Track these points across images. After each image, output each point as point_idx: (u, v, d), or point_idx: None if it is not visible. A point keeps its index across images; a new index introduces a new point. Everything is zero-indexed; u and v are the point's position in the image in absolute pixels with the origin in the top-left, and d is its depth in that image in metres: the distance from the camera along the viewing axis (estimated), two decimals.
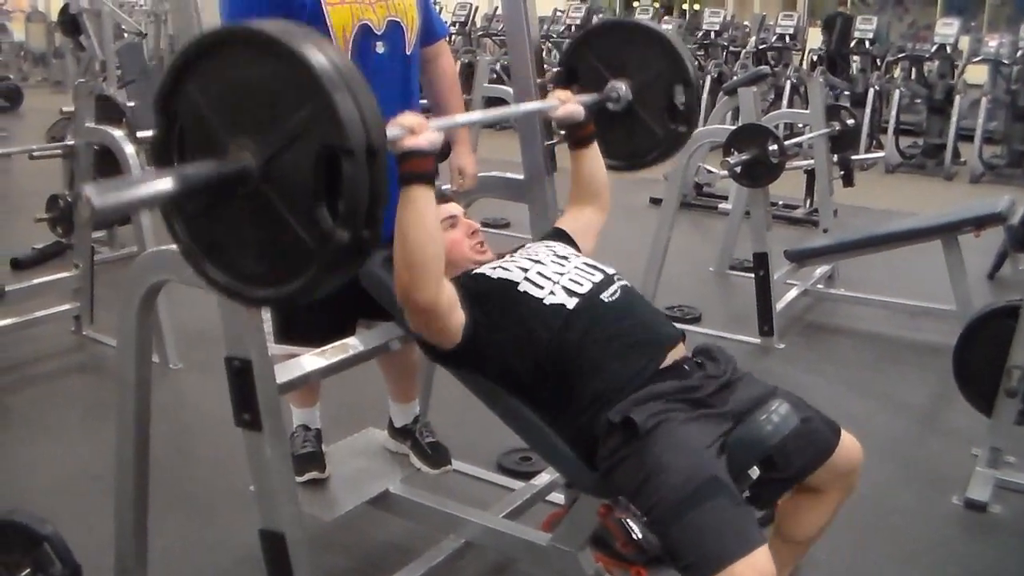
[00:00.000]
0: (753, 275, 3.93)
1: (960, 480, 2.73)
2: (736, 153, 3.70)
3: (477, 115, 1.81)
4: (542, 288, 1.75)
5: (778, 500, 1.83)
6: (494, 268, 1.82)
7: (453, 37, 10.28)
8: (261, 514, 1.75)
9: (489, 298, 1.75)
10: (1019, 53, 7.94)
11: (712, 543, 1.47)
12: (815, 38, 9.54)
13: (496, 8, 10.76)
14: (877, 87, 8.04)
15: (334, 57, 1.20)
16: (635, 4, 13.63)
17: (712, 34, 9.89)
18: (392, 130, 1.46)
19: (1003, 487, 2.71)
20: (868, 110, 7.85)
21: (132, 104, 5.34)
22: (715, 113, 5.15)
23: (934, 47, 8.04)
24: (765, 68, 5.94)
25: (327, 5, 1.95)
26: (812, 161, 4.91)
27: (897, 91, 8.02)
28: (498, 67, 8.60)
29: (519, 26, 2.22)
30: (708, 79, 8.46)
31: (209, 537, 2.46)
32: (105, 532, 2.01)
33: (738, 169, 3.72)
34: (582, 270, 1.82)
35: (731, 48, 9.79)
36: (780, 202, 5.87)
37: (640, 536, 2.25)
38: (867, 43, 8.68)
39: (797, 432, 1.63)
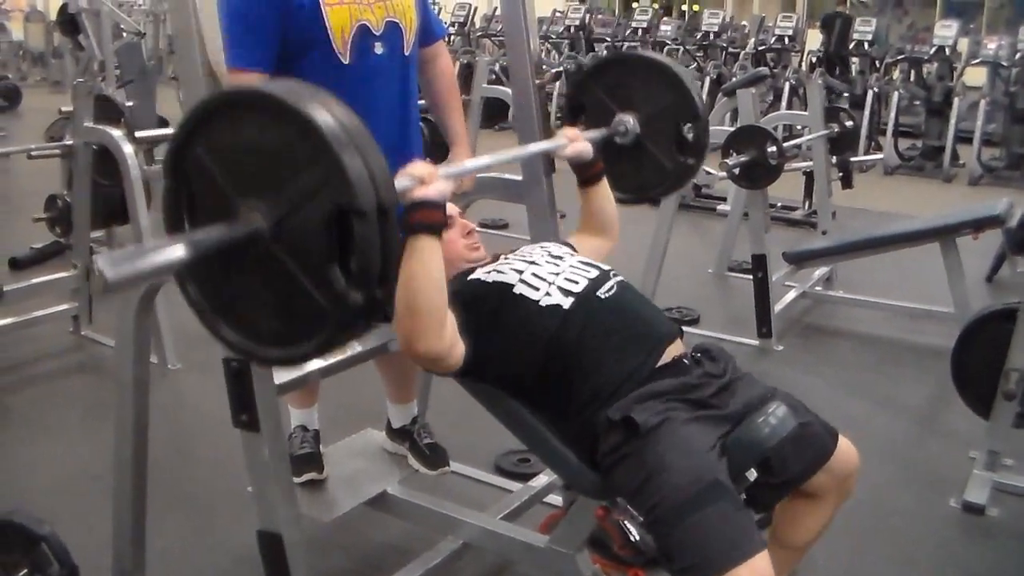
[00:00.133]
0: (752, 277, 3.93)
1: (958, 483, 2.73)
2: (735, 154, 3.71)
3: (485, 160, 1.80)
4: (538, 289, 1.74)
5: (775, 505, 1.83)
6: (488, 272, 1.81)
7: (452, 37, 10.30)
8: (259, 515, 1.75)
9: (486, 302, 1.74)
10: (1018, 55, 7.93)
11: (714, 546, 1.47)
12: (814, 39, 9.52)
13: (495, 9, 10.75)
14: (876, 89, 8.05)
15: (341, 116, 1.20)
16: (634, 5, 13.62)
17: (711, 35, 9.88)
18: (401, 181, 1.44)
19: (1001, 490, 2.71)
20: (867, 112, 7.85)
21: (131, 104, 5.34)
22: (714, 114, 5.11)
23: (933, 49, 8.02)
24: (764, 69, 5.93)
25: (325, 5, 1.95)
26: (811, 163, 4.91)
27: (896, 93, 8.01)
28: (497, 68, 8.61)
29: (518, 27, 2.22)
30: (707, 80, 8.48)
31: (207, 538, 2.46)
32: (105, 532, 2.01)
33: (737, 170, 3.72)
34: (577, 268, 1.81)
35: (730, 49, 9.79)
36: (779, 204, 5.88)
37: (637, 538, 2.25)
38: (866, 45, 8.66)
39: (795, 436, 1.63)
